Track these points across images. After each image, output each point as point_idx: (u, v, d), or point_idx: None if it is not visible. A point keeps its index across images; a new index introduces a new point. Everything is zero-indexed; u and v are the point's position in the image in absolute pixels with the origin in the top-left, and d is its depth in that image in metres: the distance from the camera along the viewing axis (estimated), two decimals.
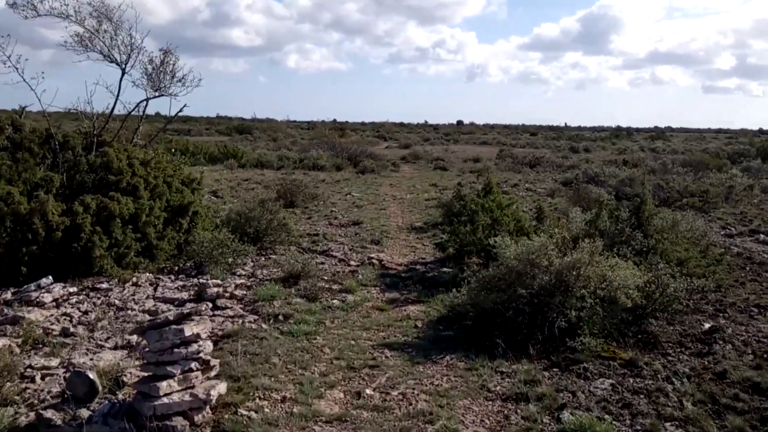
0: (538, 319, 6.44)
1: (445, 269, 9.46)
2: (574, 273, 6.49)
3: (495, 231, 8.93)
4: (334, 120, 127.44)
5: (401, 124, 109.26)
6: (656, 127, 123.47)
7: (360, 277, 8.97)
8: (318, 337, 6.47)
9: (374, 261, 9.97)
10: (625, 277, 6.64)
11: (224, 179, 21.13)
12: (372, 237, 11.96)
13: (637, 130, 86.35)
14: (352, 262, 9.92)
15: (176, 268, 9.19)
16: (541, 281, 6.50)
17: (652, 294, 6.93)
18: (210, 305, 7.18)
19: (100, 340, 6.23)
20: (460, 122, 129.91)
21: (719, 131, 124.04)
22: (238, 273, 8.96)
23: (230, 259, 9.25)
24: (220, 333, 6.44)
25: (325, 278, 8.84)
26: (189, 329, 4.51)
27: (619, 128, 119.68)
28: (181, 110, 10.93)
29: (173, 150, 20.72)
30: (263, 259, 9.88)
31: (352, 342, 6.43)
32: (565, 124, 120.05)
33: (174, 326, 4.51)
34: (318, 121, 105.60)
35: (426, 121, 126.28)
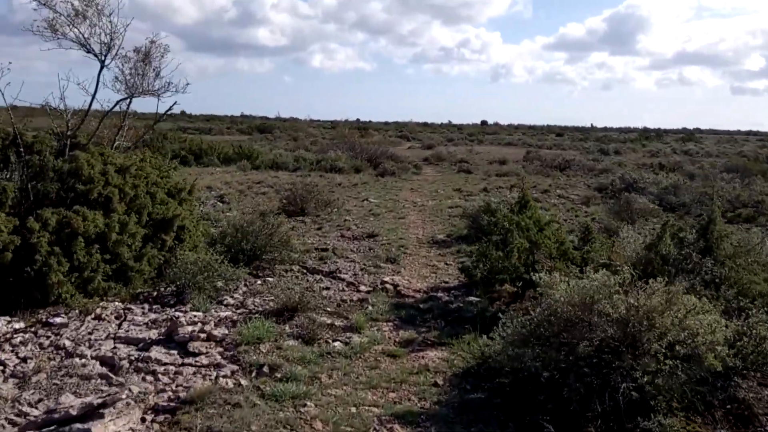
0: (596, 384, 4.86)
1: (471, 298, 7.89)
2: (646, 323, 4.90)
3: (533, 256, 7.35)
4: (358, 120, 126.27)
5: (425, 124, 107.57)
6: (684, 129, 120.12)
7: (370, 308, 7.44)
8: (309, 403, 4.95)
9: (388, 286, 8.43)
10: (710, 327, 5.03)
11: (235, 182, 19.74)
12: (388, 254, 10.43)
13: (665, 131, 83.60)
14: (362, 287, 8.40)
15: (155, 293, 7.75)
16: (604, 334, 4.92)
17: (742, 349, 5.31)
18: (177, 353, 5.70)
19: (29, 404, 4.78)
20: (484, 122, 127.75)
21: (749, 133, 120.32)
22: (225, 302, 7.48)
23: (219, 283, 7.79)
24: (182, 395, 4.95)
25: (329, 309, 7.33)
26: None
27: (646, 129, 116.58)
28: (170, 108, 9.48)
29: (169, 152, 19.47)
30: (259, 282, 8.40)
31: (353, 410, 4.91)
32: (591, 125, 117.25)
33: (78, 426, 3.03)
34: (341, 121, 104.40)
35: (450, 121, 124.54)
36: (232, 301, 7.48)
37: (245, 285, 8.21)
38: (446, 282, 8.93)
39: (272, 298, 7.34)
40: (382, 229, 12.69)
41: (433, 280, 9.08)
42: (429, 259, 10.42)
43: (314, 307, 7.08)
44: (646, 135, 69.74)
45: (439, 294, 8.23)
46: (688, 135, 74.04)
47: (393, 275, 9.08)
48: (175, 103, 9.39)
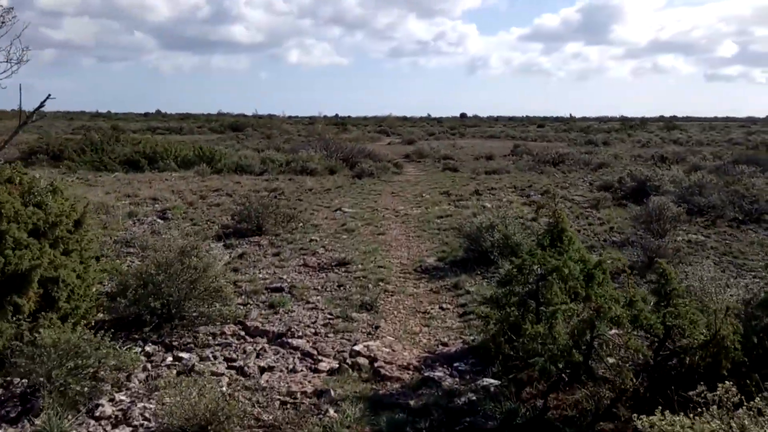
0: None
1: (486, 381, 5.14)
2: None
3: (593, 331, 4.56)
4: (336, 115, 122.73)
5: (404, 118, 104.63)
6: (662, 117, 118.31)
7: (331, 415, 4.62)
8: None
9: (362, 360, 5.63)
10: None
11: (188, 190, 16.80)
12: (363, 295, 7.64)
13: (643, 119, 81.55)
14: (323, 363, 5.60)
15: None
16: None
17: None
18: None
19: None
20: (463, 115, 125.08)
21: (727, 119, 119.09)
22: (99, 411, 4.64)
23: (102, 373, 4.96)
24: None
25: (259, 425, 4.51)
26: None
27: (624, 118, 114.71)
28: (42, 104, 6.55)
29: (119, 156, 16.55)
30: (168, 361, 5.57)
31: None
32: (571, 115, 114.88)
33: None
34: (319, 117, 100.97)
35: (429, 115, 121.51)
36: (109, 410, 4.63)
37: (144, 369, 5.38)
38: (445, 346, 6.15)
39: (171, 412, 4.47)
40: (356, 253, 9.91)
41: (427, 340, 6.31)
42: (418, 301, 7.64)
43: (234, 426, 4.26)
44: (630, 124, 67.51)
45: (438, 373, 5.43)
46: (670, 123, 71.96)
47: (369, 336, 6.29)
48: (48, 97, 6.44)
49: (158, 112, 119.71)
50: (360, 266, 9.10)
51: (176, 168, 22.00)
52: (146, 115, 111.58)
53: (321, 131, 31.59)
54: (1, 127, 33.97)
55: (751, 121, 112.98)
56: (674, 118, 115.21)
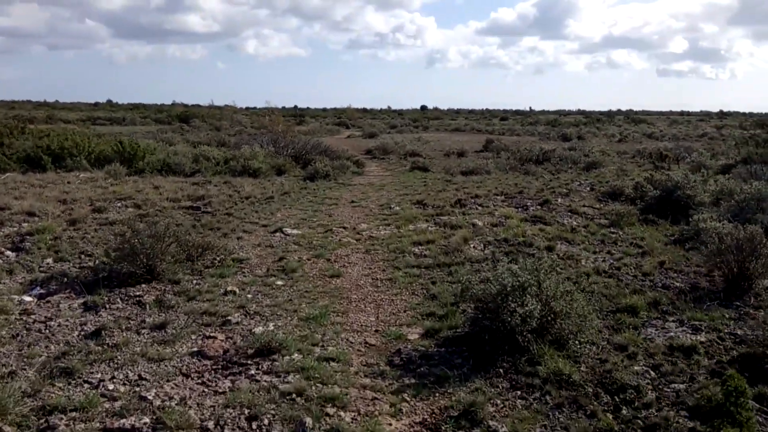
0: None
1: None
2: None
3: None
4: (295, 107, 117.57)
5: (364, 110, 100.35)
6: (619, 110, 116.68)
7: None
8: None
9: None
10: None
11: (85, 198, 12.53)
12: None
13: (609, 113, 79.25)
14: None
15: None
16: None
17: None
18: None
19: None
20: (424, 107, 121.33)
21: (682, 113, 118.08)
22: None
23: None
24: None
25: None
26: None
27: (582, 112, 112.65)
28: None
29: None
30: None
31: None
32: (530, 108, 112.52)
33: None
34: (268, 107, 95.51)
35: (389, 107, 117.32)
36: None
37: None
38: None
39: None
40: (293, 322, 5.99)
41: None
42: None
43: None
44: (596, 117, 64.70)
45: None
46: (636, 117, 69.55)
47: None
48: None
49: (109, 101, 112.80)
50: (296, 357, 5.17)
51: (88, 167, 17.58)
52: (96, 104, 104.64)
53: (269, 123, 27.18)
54: None
55: (705, 114, 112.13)
56: (630, 111, 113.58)
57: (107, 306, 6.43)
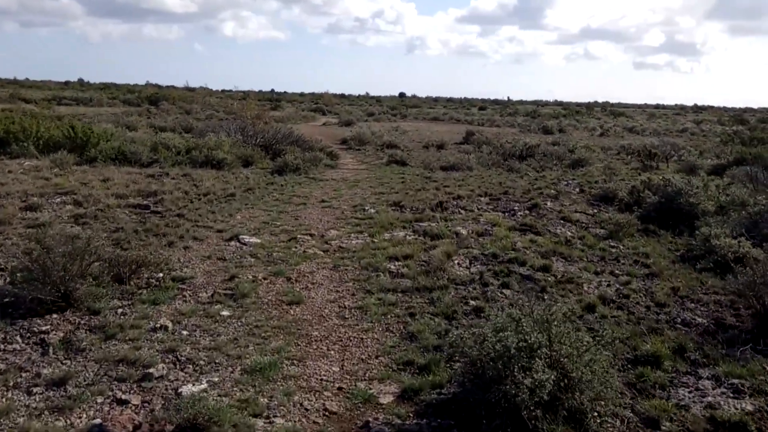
0: None
1: None
2: None
3: None
4: (272, 90, 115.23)
5: (342, 96, 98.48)
6: (596, 102, 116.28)
7: None
8: None
9: None
10: None
11: (20, 192, 10.98)
12: None
13: (588, 105, 78.53)
14: None
15: None
16: None
17: None
18: None
19: None
20: (402, 94, 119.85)
21: (657, 107, 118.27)
22: None
23: None
24: None
25: None
26: None
27: (559, 103, 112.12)
28: None
29: None
30: None
31: None
32: (508, 98, 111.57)
33: None
34: (255, 92, 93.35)
35: (367, 93, 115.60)
36: None
37: None
38: None
39: None
40: (234, 373, 4.66)
41: None
42: None
43: None
44: (576, 110, 63.80)
45: None
46: (615, 109, 68.87)
47: None
48: None
49: (80, 80, 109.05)
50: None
51: (36, 153, 15.93)
52: (66, 83, 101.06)
53: (239, 109, 25.47)
54: None
55: (681, 108, 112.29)
56: (607, 104, 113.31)
57: (0, 346, 5.03)
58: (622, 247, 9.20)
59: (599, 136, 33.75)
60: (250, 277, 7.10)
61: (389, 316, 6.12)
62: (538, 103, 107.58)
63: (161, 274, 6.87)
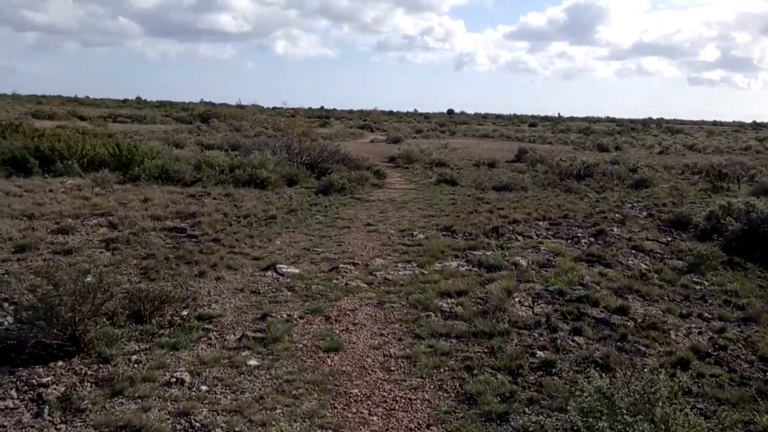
0: None
1: None
2: None
3: None
4: (322, 107, 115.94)
5: (390, 113, 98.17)
6: (650, 118, 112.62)
7: None
8: None
9: None
10: None
11: (55, 213, 10.51)
12: None
13: (644, 122, 75.83)
14: None
15: None
16: None
17: None
18: None
19: None
20: (450, 111, 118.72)
21: (715, 123, 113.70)
22: None
23: None
24: None
25: None
26: None
27: (611, 119, 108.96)
28: None
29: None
30: None
31: None
32: (559, 114, 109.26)
33: None
34: (304, 109, 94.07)
35: (416, 110, 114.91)
36: None
37: None
38: None
39: None
40: None
41: None
42: None
43: None
44: (631, 126, 61.53)
45: None
46: (672, 126, 66.22)
47: None
48: None
49: (138, 98, 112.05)
50: None
51: (80, 171, 15.66)
52: (125, 101, 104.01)
53: (283, 126, 24.98)
54: None
55: (739, 125, 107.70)
56: (662, 120, 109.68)
57: None
58: (706, 282, 8.02)
59: (659, 153, 32.04)
60: (285, 315, 6.27)
61: (442, 370, 5.19)
62: (589, 120, 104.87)
63: (186, 312, 6.11)
